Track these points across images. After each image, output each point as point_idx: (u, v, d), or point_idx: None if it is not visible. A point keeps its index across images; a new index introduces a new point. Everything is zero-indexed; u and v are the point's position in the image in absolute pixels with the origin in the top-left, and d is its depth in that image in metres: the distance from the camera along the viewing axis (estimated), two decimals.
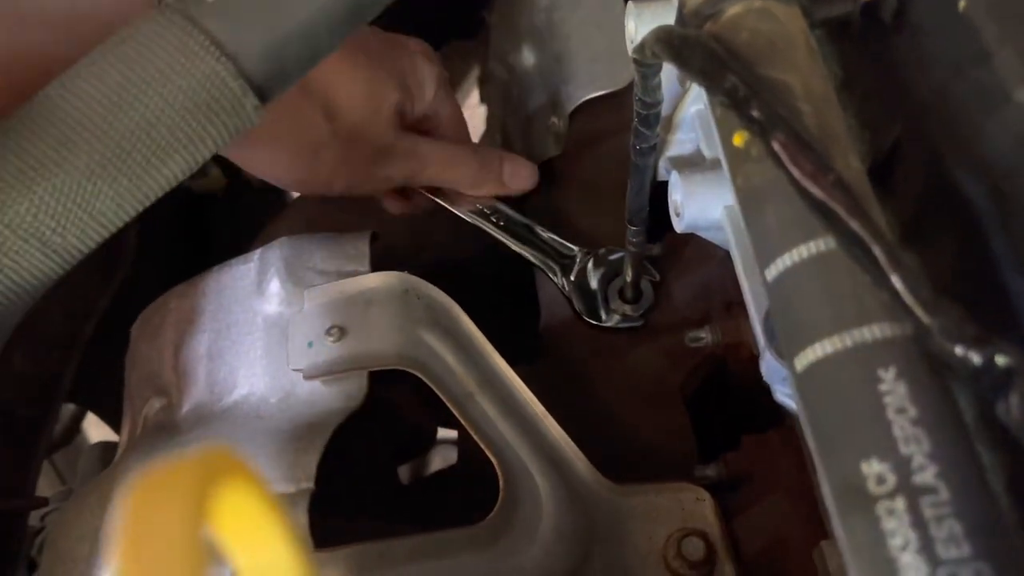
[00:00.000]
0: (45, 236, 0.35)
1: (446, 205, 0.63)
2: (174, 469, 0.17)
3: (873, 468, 0.23)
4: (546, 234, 0.61)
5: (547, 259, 0.60)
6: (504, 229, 0.62)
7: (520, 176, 0.63)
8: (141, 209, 0.37)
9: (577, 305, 0.58)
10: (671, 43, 0.31)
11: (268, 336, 0.49)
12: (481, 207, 0.63)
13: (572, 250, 0.60)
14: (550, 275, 0.59)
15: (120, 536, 0.16)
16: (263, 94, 0.37)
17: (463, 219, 0.62)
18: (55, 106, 0.35)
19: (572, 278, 0.59)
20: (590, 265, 0.59)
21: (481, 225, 0.62)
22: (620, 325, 0.57)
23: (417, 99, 0.60)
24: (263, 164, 0.55)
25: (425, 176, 0.61)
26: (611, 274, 0.58)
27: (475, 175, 0.61)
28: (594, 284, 0.58)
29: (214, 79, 0.35)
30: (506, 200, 0.64)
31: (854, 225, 0.25)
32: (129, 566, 0.17)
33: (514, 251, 0.61)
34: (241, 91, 0.36)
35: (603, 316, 0.57)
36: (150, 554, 0.15)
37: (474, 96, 1.03)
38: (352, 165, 0.57)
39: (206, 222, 0.94)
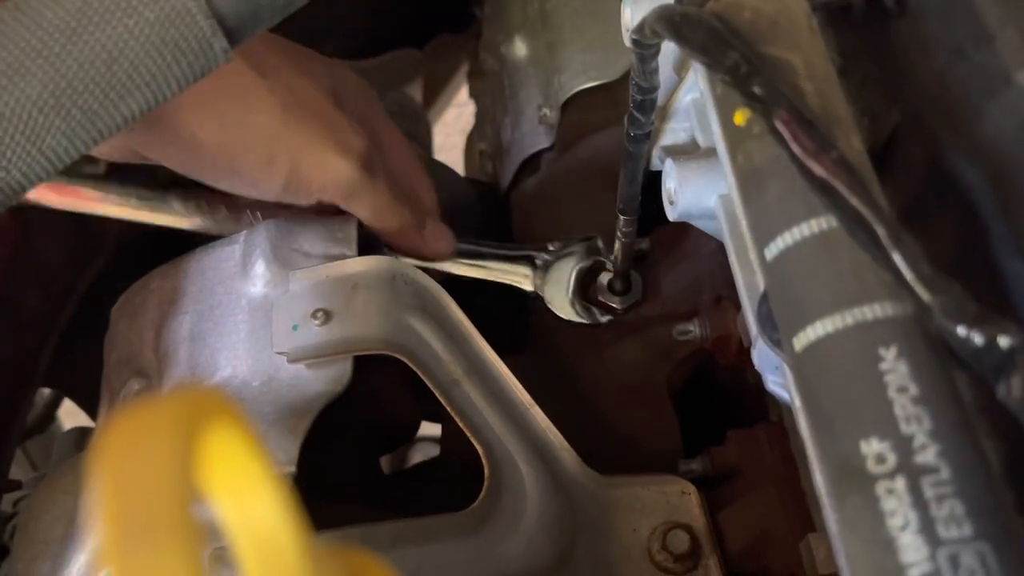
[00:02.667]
0: None
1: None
2: (157, 408, 0.16)
3: (873, 447, 0.23)
4: (501, 251, 0.57)
5: (516, 269, 0.57)
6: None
7: (440, 241, 0.56)
8: (92, 147, 0.34)
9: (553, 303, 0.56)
10: (672, 20, 0.30)
11: (252, 318, 0.48)
12: None
13: (541, 249, 0.57)
14: (524, 287, 0.56)
15: (99, 487, 0.15)
16: (233, 36, 0.34)
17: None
18: (8, 28, 0.32)
19: (544, 275, 0.56)
20: (562, 258, 0.57)
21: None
22: (600, 318, 0.56)
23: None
24: None
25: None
26: (586, 265, 0.56)
27: (399, 230, 0.54)
28: (567, 278, 0.56)
29: (184, 15, 0.33)
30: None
31: (855, 203, 0.25)
32: (111, 525, 0.16)
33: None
34: (211, 30, 0.33)
35: (577, 312, 0.55)
36: (132, 506, 0.15)
37: (463, 93, 1.02)
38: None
39: None
